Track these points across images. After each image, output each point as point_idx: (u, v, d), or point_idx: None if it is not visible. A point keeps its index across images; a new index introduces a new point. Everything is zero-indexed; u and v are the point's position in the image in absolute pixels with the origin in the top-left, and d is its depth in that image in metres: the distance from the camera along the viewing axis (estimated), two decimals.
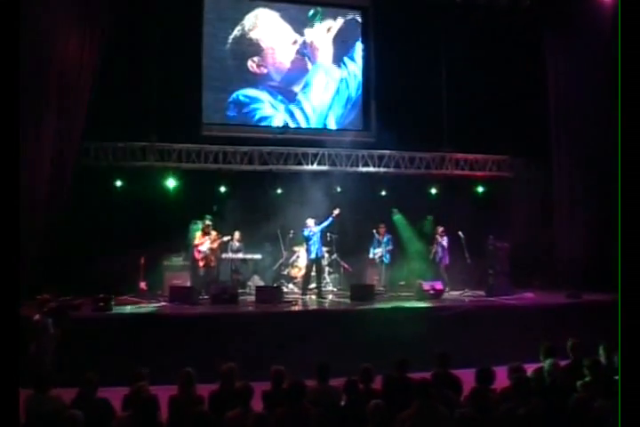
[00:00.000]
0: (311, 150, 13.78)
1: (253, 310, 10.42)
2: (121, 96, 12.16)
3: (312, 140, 14.35)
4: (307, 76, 14.78)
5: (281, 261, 13.60)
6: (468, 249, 12.57)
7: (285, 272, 13.60)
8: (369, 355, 7.93)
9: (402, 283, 13.58)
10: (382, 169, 14.11)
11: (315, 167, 13.73)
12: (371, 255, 13.23)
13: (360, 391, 5.63)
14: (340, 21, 15.16)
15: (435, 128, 14.08)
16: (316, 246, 12.02)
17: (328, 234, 13.25)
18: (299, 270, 13.65)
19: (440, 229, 13.22)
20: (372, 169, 14.09)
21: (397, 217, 14.09)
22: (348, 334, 9.41)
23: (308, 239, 12.07)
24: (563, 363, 6.43)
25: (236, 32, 14.40)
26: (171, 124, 12.86)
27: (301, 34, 14.82)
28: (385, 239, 13.13)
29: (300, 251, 13.72)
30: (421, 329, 9.64)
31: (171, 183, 13.07)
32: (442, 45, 13.88)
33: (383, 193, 14.36)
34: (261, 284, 13.19)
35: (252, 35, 14.48)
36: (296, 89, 14.67)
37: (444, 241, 13.08)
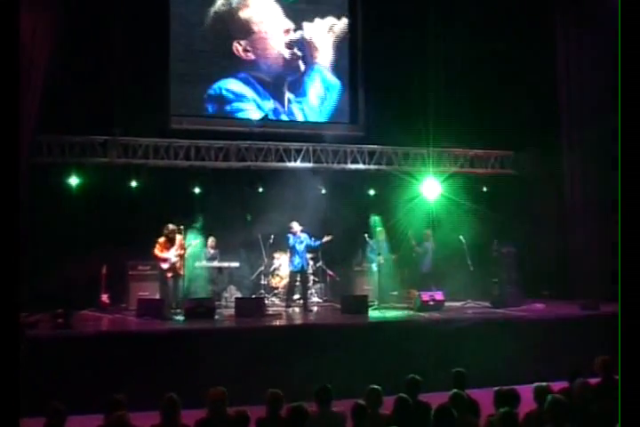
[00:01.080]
0: (294, 145, 13.66)
1: (233, 325, 10.27)
2: (79, 84, 11.97)
3: (295, 134, 14.30)
4: (302, 78, 14.71)
5: (260, 269, 13.44)
6: (470, 255, 12.52)
7: (265, 282, 13.46)
8: (370, 375, 7.92)
9: (394, 293, 13.50)
10: (373, 166, 14.04)
11: (298, 164, 13.61)
12: (374, 264, 13.10)
13: (369, 416, 5.48)
14: (344, 21, 15.05)
15: (431, 121, 13.80)
16: (301, 258, 11.95)
17: (312, 239, 13.12)
18: (280, 280, 13.56)
19: (427, 232, 13.24)
20: (361, 166, 13.99)
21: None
22: (343, 352, 9.24)
23: (292, 248, 11.95)
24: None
25: (219, 7, 14.18)
26: (135, 116, 12.64)
27: (300, 27, 14.71)
28: (384, 245, 13.06)
29: (282, 258, 13.64)
30: (425, 345, 9.57)
31: (136, 183, 12.88)
32: (440, 28, 13.82)
33: (374, 192, 14.32)
34: (238, 295, 13.03)
35: (242, 14, 14.29)
36: (287, 91, 14.58)
37: (430, 246, 13.09)
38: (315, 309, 12.24)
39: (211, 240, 12.98)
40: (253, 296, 12.54)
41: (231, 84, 14.20)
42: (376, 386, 5.90)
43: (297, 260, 11.91)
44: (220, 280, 13.10)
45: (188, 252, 11.52)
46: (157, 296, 11.69)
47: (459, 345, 9.68)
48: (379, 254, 12.86)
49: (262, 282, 13.42)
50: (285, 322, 10.68)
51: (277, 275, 13.64)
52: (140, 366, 8.61)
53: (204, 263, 12.75)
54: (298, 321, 10.92)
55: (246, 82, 14.28)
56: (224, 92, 14.15)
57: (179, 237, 11.32)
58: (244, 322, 10.23)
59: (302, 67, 14.70)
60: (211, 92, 14.09)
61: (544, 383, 5.87)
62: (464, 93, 13.82)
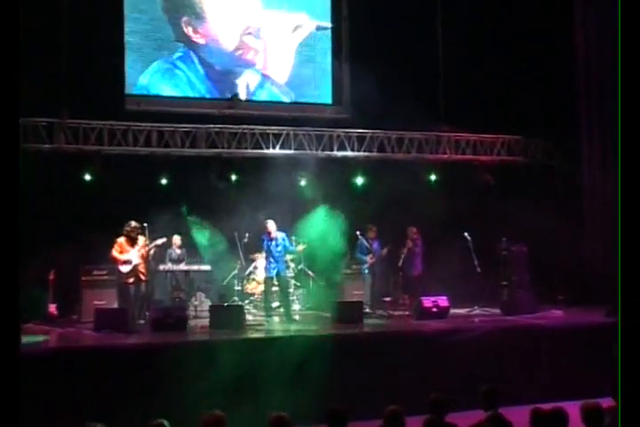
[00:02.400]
0: (272, 129, 13.45)
1: (209, 337, 10.13)
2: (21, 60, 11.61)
3: (271, 116, 14.19)
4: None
5: (234, 272, 13.22)
6: (476, 255, 12.48)
7: (239, 287, 13.22)
8: (380, 393, 7.84)
9: (387, 299, 13.46)
10: (363, 153, 13.91)
11: (277, 151, 13.43)
12: (365, 265, 13.03)
13: None
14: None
15: (428, 101, 13.93)
16: (277, 262, 11.81)
17: (293, 237, 13.03)
18: (256, 285, 13.36)
19: (413, 229, 13.17)
20: (349, 153, 13.84)
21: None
22: (343, 367, 9.16)
23: (267, 251, 11.82)
24: None
25: None
26: (86, 96, 12.35)
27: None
28: (375, 244, 12.92)
29: (259, 260, 13.41)
30: (434, 358, 9.52)
31: (89, 173, 12.63)
32: None
33: (364, 183, 14.21)
34: (208, 303, 12.87)
35: None
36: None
37: (418, 246, 13.05)
38: (296, 317, 12.08)
39: (176, 239, 12.73)
40: (231, 304, 12.43)
41: (190, 64, 14.24)
42: (395, 406, 5.75)
43: (272, 264, 11.76)
44: (188, 286, 12.91)
45: (151, 253, 11.34)
46: (115, 305, 11.48)
47: (471, 358, 9.63)
48: (367, 254, 12.78)
49: (236, 287, 13.20)
50: (270, 334, 10.60)
51: (254, 279, 13.42)
52: (102, 389, 8.40)
53: (169, 266, 12.56)
54: (283, 333, 10.73)
55: (202, 62, 14.33)
56: (183, 72, 14.18)
57: (141, 237, 11.11)
58: (221, 334, 10.07)
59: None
60: (169, 70, 14.06)
61: (592, 400, 5.73)
62: (467, 71, 13.78)
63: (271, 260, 11.76)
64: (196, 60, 14.28)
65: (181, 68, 14.19)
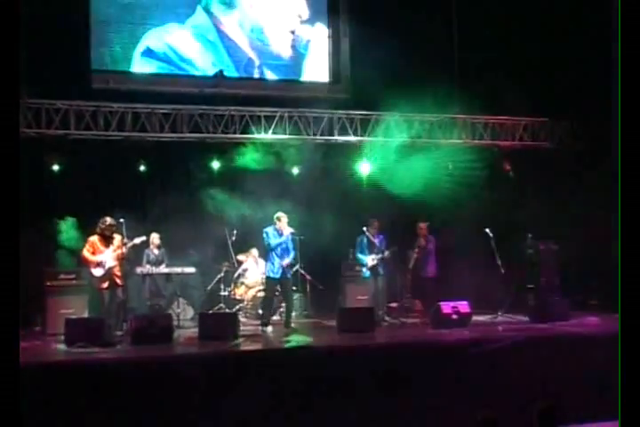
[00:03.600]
0: (264, 111, 13.20)
1: (199, 350, 9.96)
2: None
3: (261, 96, 14.04)
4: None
5: (219, 276, 13.14)
6: (499, 254, 12.33)
7: (226, 293, 13.15)
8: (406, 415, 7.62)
9: (394, 305, 13.31)
10: (367, 138, 13.71)
11: (269, 136, 13.19)
12: (368, 264, 12.80)
13: None
14: None
15: (441, 79, 13.74)
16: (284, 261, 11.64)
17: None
18: (246, 290, 13.26)
19: (423, 225, 13.01)
20: (351, 138, 13.64)
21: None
22: (357, 384, 8.92)
23: (272, 249, 11.58)
24: None
25: None
26: (48, 73, 12.11)
27: None
28: (378, 240, 12.69)
29: (248, 261, 13.45)
30: (462, 372, 9.27)
31: (54, 161, 12.52)
32: None
33: (367, 171, 14.12)
34: (191, 311, 12.83)
35: None
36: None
37: (431, 243, 12.88)
38: (292, 326, 11.84)
39: (154, 237, 12.58)
40: (223, 311, 12.41)
41: (170, 36, 14.07)
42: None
43: (277, 263, 11.54)
44: (169, 291, 12.80)
45: (128, 254, 11.14)
46: (85, 315, 11.29)
47: (505, 371, 9.39)
48: (370, 253, 12.51)
49: (222, 293, 13.11)
50: (271, 346, 10.52)
51: (243, 283, 13.32)
52: (77, 411, 8.11)
53: (148, 269, 12.42)
54: (283, 344, 10.49)
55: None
56: (162, 44, 13.99)
57: (117, 235, 10.90)
58: (212, 346, 9.87)
59: None
60: (146, 42, 13.88)
61: None
62: (485, 44, 13.65)
63: (275, 258, 11.56)
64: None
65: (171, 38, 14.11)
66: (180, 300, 12.91)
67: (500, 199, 13.54)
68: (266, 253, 11.80)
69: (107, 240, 10.84)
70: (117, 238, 10.88)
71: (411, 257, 12.86)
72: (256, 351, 9.89)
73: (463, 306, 11.51)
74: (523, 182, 14.18)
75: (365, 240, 12.59)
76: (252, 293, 13.15)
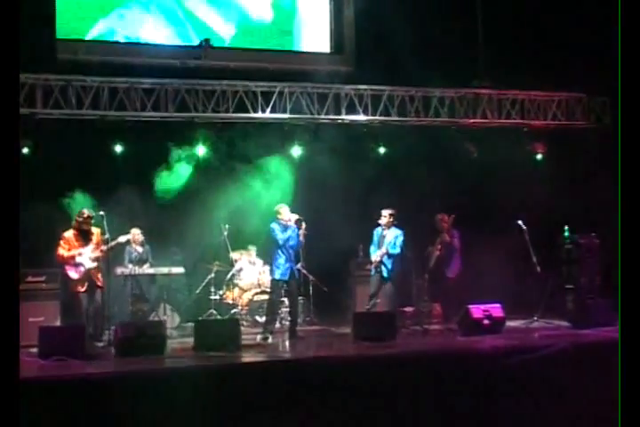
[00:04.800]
0: (261, 86, 13.03)
1: (197, 363, 9.76)
2: None
3: (252, 69, 14.05)
4: None
5: (210, 277, 13.08)
6: (534, 249, 12.27)
7: (217, 297, 13.09)
8: None
9: (407, 309, 13.23)
10: (379, 117, 13.59)
11: (267, 115, 13.05)
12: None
13: None
14: None
15: (464, 49, 13.79)
16: (290, 261, 11.62)
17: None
18: (240, 294, 13.21)
19: (443, 217, 12.86)
20: (361, 117, 13.52)
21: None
22: (379, 397, 8.91)
23: (279, 246, 11.53)
24: None
25: None
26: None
27: None
28: (390, 234, 12.40)
29: (242, 260, 13.42)
30: (499, 385, 9.23)
31: (21, 144, 11.86)
32: None
33: (379, 155, 14.16)
34: (176, 318, 12.77)
35: None
36: None
37: (455, 238, 12.76)
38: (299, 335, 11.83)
39: (136, 233, 12.48)
40: (222, 317, 12.40)
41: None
42: None
43: (285, 263, 11.51)
44: (153, 295, 12.76)
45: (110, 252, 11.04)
46: (58, 323, 11.21)
47: (547, 385, 9.35)
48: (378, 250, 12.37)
49: (212, 297, 13.05)
50: (272, 356, 10.44)
51: (236, 286, 13.28)
52: None
53: (130, 268, 12.35)
54: (293, 355, 10.59)
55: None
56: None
57: (97, 230, 10.80)
58: (211, 360, 9.70)
59: None
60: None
61: None
62: (514, 10, 13.71)
63: (282, 256, 11.54)
64: None
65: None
66: (164, 305, 12.85)
67: (532, 187, 13.44)
68: (272, 250, 11.75)
69: (84, 236, 10.77)
70: (96, 233, 10.79)
71: (431, 254, 12.76)
72: (264, 364, 9.79)
73: (496, 309, 11.43)
74: (557, 167, 14.12)
75: (376, 233, 12.47)
76: (247, 296, 13.06)
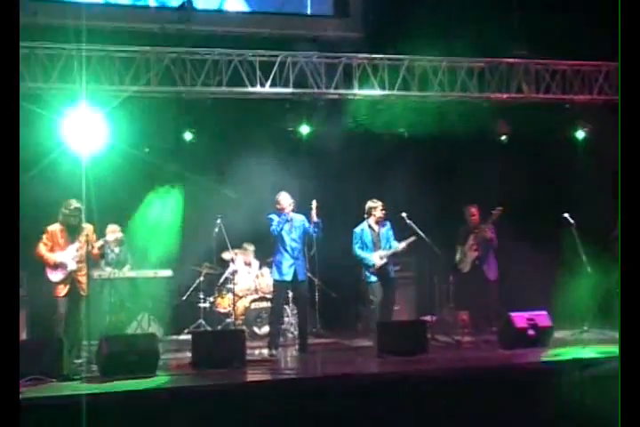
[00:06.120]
0: (260, 55, 12.93)
1: (196, 382, 9.83)
2: None
3: (244, 35, 14.09)
4: None
5: (198, 280, 13.20)
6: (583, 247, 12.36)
7: (207, 305, 13.19)
8: None
9: (429, 318, 13.35)
10: (397, 92, 13.50)
11: (267, 90, 12.96)
12: (376, 265, 12.53)
13: None
14: None
15: (496, 12, 13.80)
16: (295, 257, 11.60)
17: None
18: (234, 301, 13.09)
19: (474, 210, 13.16)
20: (377, 92, 13.44)
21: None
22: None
23: (278, 239, 11.57)
24: None
25: None
26: None
27: None
28: (383, 229, 12.40)
29: (237, 260, 13.49)
30: (559, 407, 9.31)
31: None
32: None
33: (396, 137, 14.10)
34: (158, 329, 12.65)
35: None
36: None
37: (491, 234, 12.84)
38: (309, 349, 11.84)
39: (113, 230, 12.36)
40: (233, 327, 12.48)
41: None
42: None
43: (287, 260, 11.50)
44: (134, 301, 12.79)
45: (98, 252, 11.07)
46: (24, 336, 11.24)
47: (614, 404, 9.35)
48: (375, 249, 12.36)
49: (201, 305, 13.11)
50: (288, 374, 10.52)
51: (230, 291, 13.26)
52: None
53: (108, 272, 12.39)
54: (305, 373, 10.54)
55: None
56: None
57: (89, 226, 10.74)
58: (212, 378, 9.81)
59: None
60: None
61: None
62: None
63: (284, 253, 11.54)
64: None
65: None
66: (144, 314, 12.87)
67: (577, 174, 13.46)
68: (274, 246, 11.79)
69: (71, 232, 10.70)
70: (87, 229, 10.72)
71: (465, 254, 12.87)
72: (277, 383, 9.88)
73: (541, 318, 11.51)
74: (604, 149, 14.09)
75: (367, 231, 12.41)
76: (243, 304, 13.07)
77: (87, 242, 10.64)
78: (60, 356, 9.91)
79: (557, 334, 12.03)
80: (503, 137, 14.14)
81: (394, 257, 12.37)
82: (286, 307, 12.88)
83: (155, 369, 10.06)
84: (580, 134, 14.42)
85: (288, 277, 11.50)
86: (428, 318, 13.42)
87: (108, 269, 12.40)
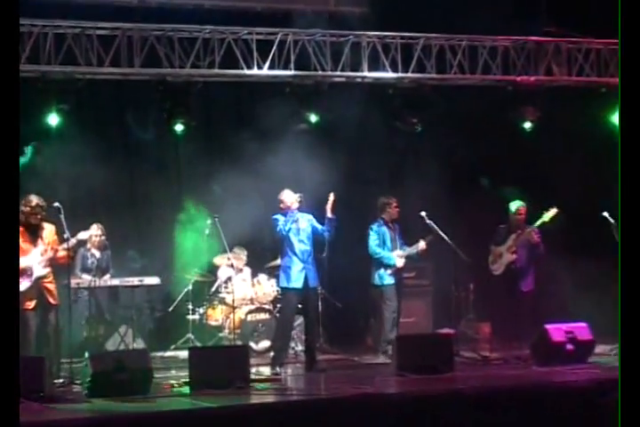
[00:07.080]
0: (257, 32, 12.98)
1: (195, 405, 9.69)
2: None
3: (236, 9, 14.10)
4: None
5: (187, 289, 13.20)
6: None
7: (196, 317, 13.24)
8: None
9: (447, 331, 13.13)
10: (410, 75, 13.55)
11: (265, 72, 12.98)
12: (387, 270, 12.63)
13: None
14: None
15: None
16: (304, 261, 11.55)
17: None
18: (227, 312, 13.19)
19: (521, 208, 12.93)
20: (388, 75, 13.49)
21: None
22: None
23: (284, 240, 11.53)
24: None
25: None
26: None
27: None
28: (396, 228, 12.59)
29: (230, 266, 13.27)
30: None
31: None
32: None
33: (408, 125, 13.78)
34: (141, 344, 12.68)
35: None
36: None
37: (537, 238, 12.69)
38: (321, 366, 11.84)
39: (96, 231, 12.39)
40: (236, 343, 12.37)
41: None
42: None
43: (296, 264, 11.47)
44: (114, 313, 12.88)
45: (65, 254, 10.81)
46: None
47: None
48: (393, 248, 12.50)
49: (190, 317, 13.17)
50: (298, 395, 10.41)
51: (222, 302, 13.37)
52: None
53: (86, 279, 12.37)
54: (316, 395, 10.28)
55: None
56: None
57: (50, 226, 10.69)
58: (215, 400, 9.72)
59: None
60: None
61: None
62: None
63: (292, 256, 11.54)
64: None
65: None
66: (124, 326, 12.92)
67: (615, 165, 13.44)
68: (280, 249, 11.81)
69: (33, 233, 10.61)
70: (49, 230, 10.68)
71: (500, 255, 12.82)
72: (287, 405, 9.73)
73: (581, 330, 11.49)
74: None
75: (384, 229, 12.52)
76: (238, 316, 12.99)
77: (51, 244, 10.60)
78: (41, 377, 9.86)
79: (597, 349, 12.03)
80: (529, 124, 14.08)
81: (409, 261, 12.46)
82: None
83: (147, 390, 10.05)
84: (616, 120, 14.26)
85: (298, 284, 11.46)
86: (445, 331, 13.33)
87: (85, 277, 12.44)
